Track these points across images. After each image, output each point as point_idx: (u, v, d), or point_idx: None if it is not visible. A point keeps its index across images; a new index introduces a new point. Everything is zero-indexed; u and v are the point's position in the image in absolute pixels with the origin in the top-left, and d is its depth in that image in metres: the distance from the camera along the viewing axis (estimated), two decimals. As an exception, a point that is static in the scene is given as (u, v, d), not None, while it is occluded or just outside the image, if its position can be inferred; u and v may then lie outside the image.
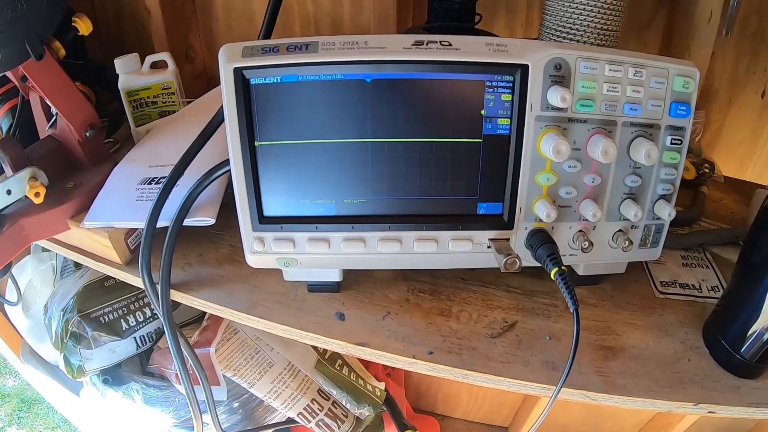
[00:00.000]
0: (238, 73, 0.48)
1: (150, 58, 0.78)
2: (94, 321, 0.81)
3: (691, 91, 0.51)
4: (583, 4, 0.63)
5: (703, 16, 0.74)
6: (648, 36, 0.83)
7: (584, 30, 0.65)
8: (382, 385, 0.86)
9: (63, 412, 1.04)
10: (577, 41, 0.65)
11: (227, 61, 0.48)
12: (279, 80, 0.48)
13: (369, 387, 0.84)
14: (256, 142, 0.50)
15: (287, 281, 0.60)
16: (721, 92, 0.84)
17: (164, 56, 0.78)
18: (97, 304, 0.81)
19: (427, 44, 0.47)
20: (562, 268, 0.49)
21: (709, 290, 0.62)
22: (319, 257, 0.54)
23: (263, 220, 0.53)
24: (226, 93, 0.49)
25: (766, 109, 0.84)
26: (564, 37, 0.66)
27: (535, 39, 0.72)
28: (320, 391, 0.80)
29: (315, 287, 0.59)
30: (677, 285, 0.63)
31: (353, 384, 0.82)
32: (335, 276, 0.57)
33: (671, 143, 0.52)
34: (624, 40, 0.81)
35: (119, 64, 0.77)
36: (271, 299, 0.59)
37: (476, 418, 1.27)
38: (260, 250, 0.54)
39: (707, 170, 0.78)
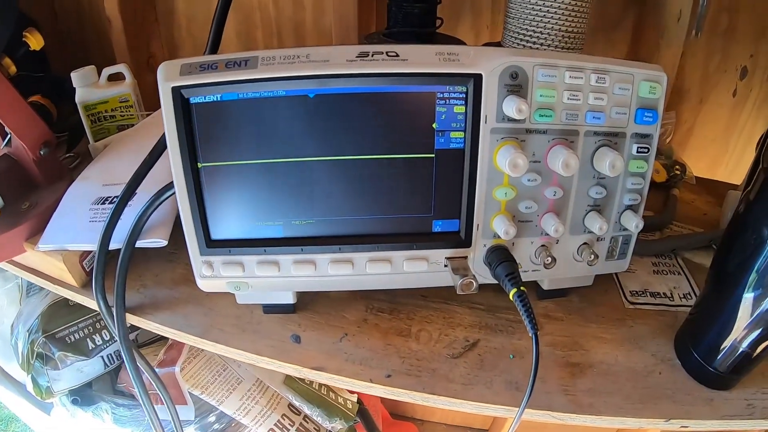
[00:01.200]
0: (177, 92, 0.44)
1: (107, 71, 0.74)
2: (60, 341, 0.77)
3: (658, 97, 0.47)
4: (546, 6, 0.59)
5: (673, 15, 0.70)
6: (616, 36, 0.79)
7: (548, 33, 0.61)
8: (354, 398, 0.83)
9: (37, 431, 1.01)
10: (541, 44, 0.61)
11: (165, 80, 0.44)
12: (219, 98, 0.44)
13: (340, 400, 0.81)
14: (198, 164, 0.46)
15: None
16: (692, 91, 0.81)
17: (121, 68, 0.74)
18: (62, 324, 0.78)
19: (372, 55, 0.43)
20: (521, 288, 0.45)
21: (681, 298, 0.59)
22: (269, 280, 0.50)
23: (211, 243, 0.49)
24: (166, 113, 0.45)
25: (738, 108, 0.81)
26: (528, 41, 0.62)
27: (498, 43, 0.68)
28: (290, 406, 0.76)
29: (270, 309, 0.55)
30: (648, 294, 0.59)
31: (324, 398, 0.79)
32: (289, 298, 0.53)
33: (637, 152, 0.48)
34: (592, 40, 0.77)
35: (76, 77, 0.73)
36: (226, 322, 0.55)
37: (455, 421, 1.24)
38: (209, 274, 0.50)
39: (678, 172, 0.75)
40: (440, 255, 0.49)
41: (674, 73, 0.76)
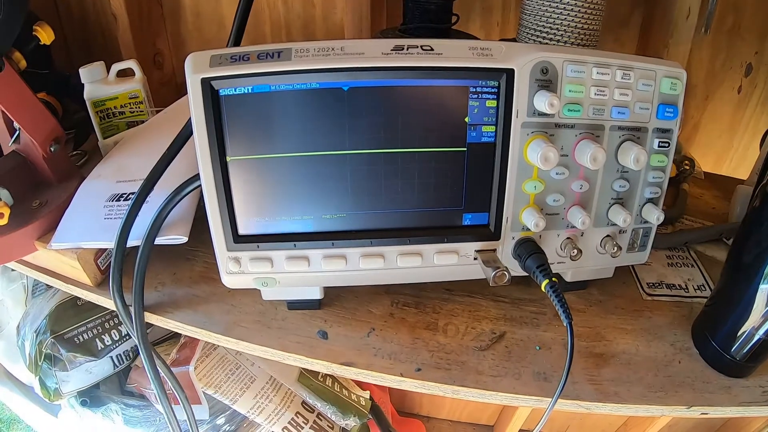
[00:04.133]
0: (206, 84, 0.43)
1: (116, 66, 0.73)
2: (69, 342, 0.75)
3: (678, 93, 0.49)
4: (564, 3, 0.60)
5: (681, 13, 0.71)
6: (625, 34, 0.80)
7: (564, 29, 0.61)
8: (366, 394, 0.82)
9: (42, 433, 0.99)
10: (557, 41, 0.62)
11: (194, 72, 0.43)
12: (250, 91, 0.44)
13: (353, 397, 0.81)
14: (227, 158, 0.46)
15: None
16: (698, 88, 0.82)
17: (131, 64, 0.73)
18: (70, 324, 0.76)
19: (407, 49, 0.43)
20: (553, 279, 0.46)
21: (695, 289, 0.60)
22: (298, 276, 0.50)
23: (238, 239, 0.48)
24: (194, 106, 0.44)
25: (743, 104, 0.82)
26: (543, 37, 0.63)
27: (513, 39, 0.69)
28: (304, 404, 0.76)
29: (295, 305, 0.55)
30: (664, 286, 0.60)
31: (337, 395, 0.78)
32: (316, 294, 0.53)
33: (659, 146, 0.49)
34: (601, 38, 0.78)
35: (84, 73, 0.72)
36: (249, 319, 0.54)
37: (461, 418, 1.24)
38: (236, 270, 0.49)
39: (687, 167, 0.76)
40: (470, 248, 0.49)
41: (682, 71, 0.77)
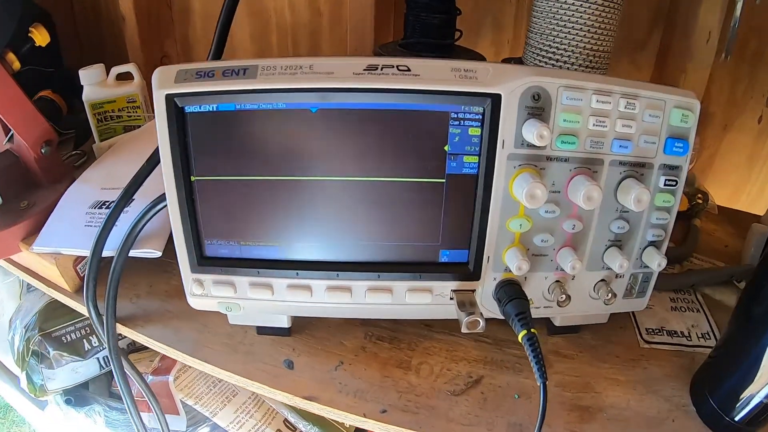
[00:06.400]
0: (171, 100, 0.39)
1: (115, 70, 0.70)
2: (56, 340, 0.73)
3: (689, 126, 0.41)
4: (571, 23, 0.54)
5: (701, 37, 0.64)
6: (641, 57, 0.73)
7: (572, 51, 0.55)
8: (351, 416, 0.77)
9: (33, 424, 0.97)
10: (564, 62, 0.56)
11: (159, 87, 0.39)
12: (215, 109, 0.39)
13: (337, 418, 0.75)
14: (192, 177, 0.41)
15: (235, 323, 0.51)
16: (716, 116, 0.74)
17: (130, 68, 0.70)
18: (59, 323, 0.74)
19: (381, 69, 0.38)
20: (532, 331, 0.40)
21: (699, 338, 0.53)
22: (262, 303, 0.45)
23: (202, 261, 0.44)
24: (159, 122, 0.40)
25: (763, 135, 0.74)
26: (550, 58, 0.56)
27: (519, 59, 0.63)
28: (286, 422, 0.71)
29: (265, 330, 0.50)
30: (665, 333, 0.53)
31: (320, 416, 0.73)
32: (283, 323, 0.48)
33: (665, 184, 0.42)
34: (616, 60, 0.71)
35: (83, 75, 0.69)
36: (217, 341, 0.50)
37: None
38: (200, 293, 0.45)
39: (700, 201, 0.68)
40: (446, 287, 0.43)
41: (701, 97, 0.69)
